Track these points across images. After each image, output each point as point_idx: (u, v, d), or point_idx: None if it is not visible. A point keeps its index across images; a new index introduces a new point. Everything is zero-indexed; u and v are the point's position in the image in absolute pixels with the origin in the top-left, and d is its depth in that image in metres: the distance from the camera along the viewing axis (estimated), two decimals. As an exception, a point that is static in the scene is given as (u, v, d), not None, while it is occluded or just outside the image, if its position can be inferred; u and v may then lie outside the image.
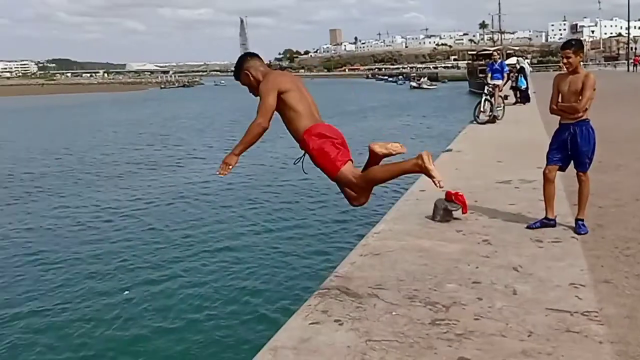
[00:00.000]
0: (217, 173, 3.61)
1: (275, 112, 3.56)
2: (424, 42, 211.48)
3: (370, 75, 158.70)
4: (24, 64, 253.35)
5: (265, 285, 9.25)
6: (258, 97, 3.58)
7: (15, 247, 12.07)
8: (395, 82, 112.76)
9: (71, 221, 14.33)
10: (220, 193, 16.98)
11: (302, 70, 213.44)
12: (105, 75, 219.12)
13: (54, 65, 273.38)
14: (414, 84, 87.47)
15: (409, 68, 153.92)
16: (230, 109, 57.92)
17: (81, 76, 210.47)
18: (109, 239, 12.61)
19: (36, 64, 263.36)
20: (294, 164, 3.84)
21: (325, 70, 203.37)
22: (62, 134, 36.68)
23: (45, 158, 25.97)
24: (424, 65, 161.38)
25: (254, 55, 3.76)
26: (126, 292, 9.15)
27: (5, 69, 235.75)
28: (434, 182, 3.53)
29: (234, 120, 44.11)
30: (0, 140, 33.71)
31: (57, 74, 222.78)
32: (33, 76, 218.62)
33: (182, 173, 21.43)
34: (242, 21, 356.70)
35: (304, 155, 3.72)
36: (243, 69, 3.66)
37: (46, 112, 58.92)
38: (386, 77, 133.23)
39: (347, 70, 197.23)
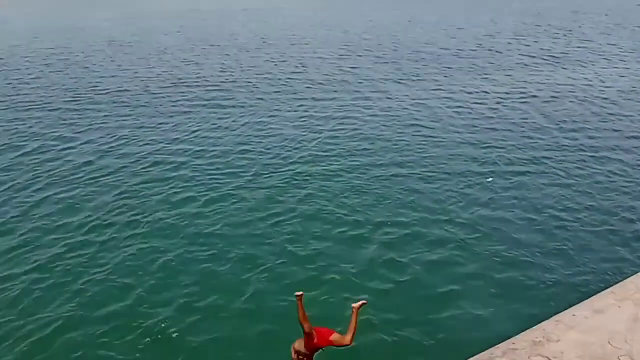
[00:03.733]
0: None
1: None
2: None
3: None
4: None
5: None
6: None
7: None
8: None
9: (461, 101, 15.51)
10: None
11: None
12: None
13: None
14: None
15: None
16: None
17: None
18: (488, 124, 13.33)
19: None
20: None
21: None
22: (469, 17, 37.92)
23: (443, 39, 27.74)
24: None
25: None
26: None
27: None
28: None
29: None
30: (416, 18, 37.10)
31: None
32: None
33: (577, 71, 20.06)
34: None
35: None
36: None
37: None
38: None
39: None
